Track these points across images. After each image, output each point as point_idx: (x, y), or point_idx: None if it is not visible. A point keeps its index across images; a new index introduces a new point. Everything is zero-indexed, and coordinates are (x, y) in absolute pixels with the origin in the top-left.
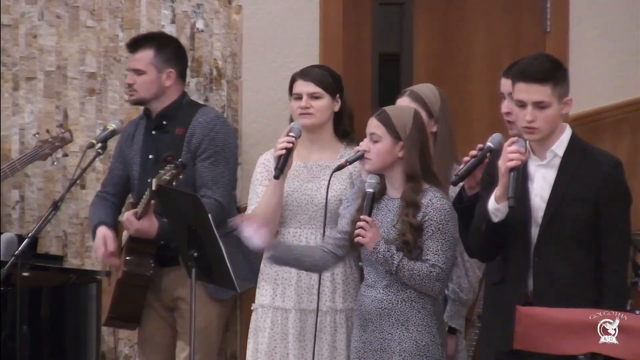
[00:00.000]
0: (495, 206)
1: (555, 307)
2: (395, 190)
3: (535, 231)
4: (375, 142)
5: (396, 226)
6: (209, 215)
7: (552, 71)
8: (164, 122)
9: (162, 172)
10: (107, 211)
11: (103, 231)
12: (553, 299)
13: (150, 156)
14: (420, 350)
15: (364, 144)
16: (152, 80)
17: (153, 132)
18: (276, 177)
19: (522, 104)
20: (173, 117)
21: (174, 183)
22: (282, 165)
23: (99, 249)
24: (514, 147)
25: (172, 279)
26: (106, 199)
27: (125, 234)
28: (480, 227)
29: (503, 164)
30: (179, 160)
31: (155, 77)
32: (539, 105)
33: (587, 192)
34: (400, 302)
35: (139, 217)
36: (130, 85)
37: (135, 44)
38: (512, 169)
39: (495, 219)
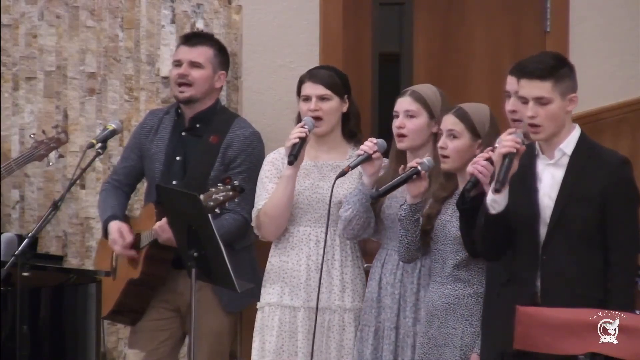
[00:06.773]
0: (492, 197)
1: (562, 306)
2: None
3: (543, 230)
4: (454, 138)
5: None
6: (234, 231)
7: (554, 68)
8: (197, 125)
9: (213, 190)
10: (120, 201)
11: (118, 224)
12: (561, 298)
13: (178, 158)
14: None
15: (441, 144)
16: (207, 77)
17: (183, 134)
18: (290, 162)
19: (524, 101)
20: (207, 122)
21: (226, 205)
22: (297, 151)
23: (116, 242)
24: (510, 136)
25: (188, 283)
26: (118, 187)
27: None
28: (481, 222)
29: (499, 150)
30: (237, 184)
31: (211, 74)
32: (540, 101)
33: (594, 190)
34: (466, 297)
35: None
36: (183, 77)
37: (195, 38)
38: (505, 155)
39: (493, 211)
